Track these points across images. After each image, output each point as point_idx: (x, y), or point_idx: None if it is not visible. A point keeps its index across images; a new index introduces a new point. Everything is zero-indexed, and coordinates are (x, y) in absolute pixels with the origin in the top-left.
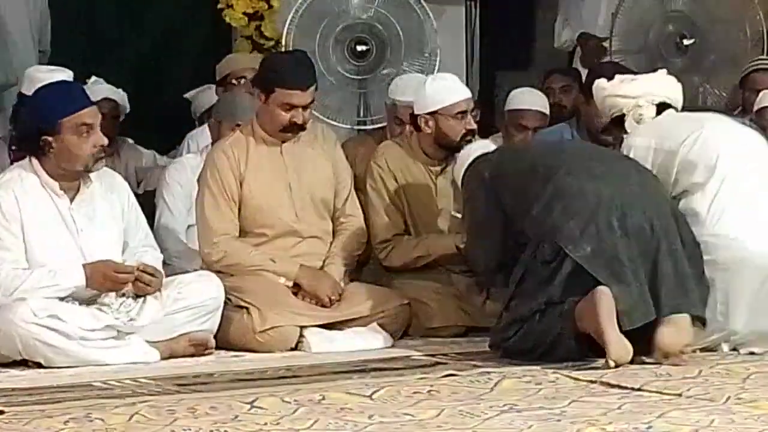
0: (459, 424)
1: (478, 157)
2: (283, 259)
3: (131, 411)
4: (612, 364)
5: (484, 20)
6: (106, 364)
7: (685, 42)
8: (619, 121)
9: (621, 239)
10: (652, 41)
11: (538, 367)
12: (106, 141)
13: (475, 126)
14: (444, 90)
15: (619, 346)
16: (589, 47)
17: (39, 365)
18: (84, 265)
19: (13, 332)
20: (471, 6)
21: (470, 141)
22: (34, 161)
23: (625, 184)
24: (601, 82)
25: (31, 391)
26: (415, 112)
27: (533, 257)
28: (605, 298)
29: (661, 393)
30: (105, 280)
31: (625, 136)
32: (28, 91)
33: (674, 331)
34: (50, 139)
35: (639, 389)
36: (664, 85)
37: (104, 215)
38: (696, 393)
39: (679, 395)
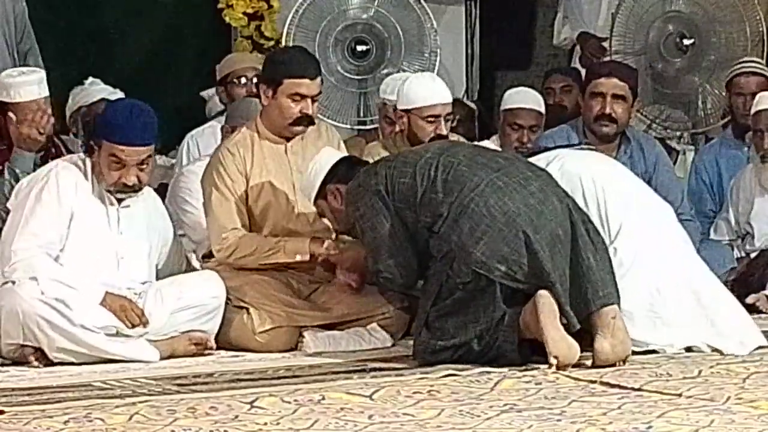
0: (459, 424)
1: (361, 172)
2: (291, 239)
3: (131, 411)
4: (554, 361)
5: (484, 20)
6: (105, 352)
7: (685, 42)
8: None
9: (534, 251)
10: (652, 41)
11: (539, 367)
12: (132, 182)
13: (445, 132)
14: (422, 90)
15: (560, 343)
16: (589, 47)
17: (40, 353)
18: (107, 293)
19: (18, 307)
20: (471, 6)
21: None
22: (88, 158)
23: (528, 194)
24: None
25: (31, 391)
26: (396, 107)
27: (447, 278)
28: (545, 300)
29: (661, 393)
30: (118, 313)
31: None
32: (2, 96)
33: (615, 344)
34: (95, 147)
35: (639, 389)
36: None
37: (145, 230)
38: (696, 393)
39: (679, 395)
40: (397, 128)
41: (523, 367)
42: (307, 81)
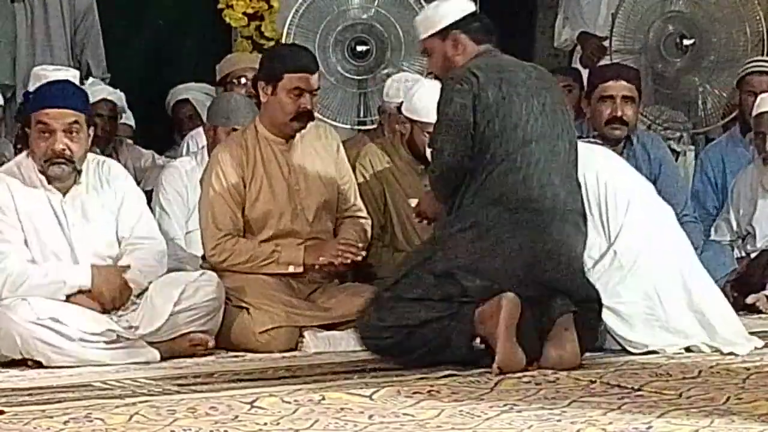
0: (459, 424)
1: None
2: (286, 247)
3: (131, 411)
4: (497, 370)
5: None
6: (106, 364)
7: (685, 42)
8: None
9: (516, 282)
10: (652, 41)
11: (539, 368)
12: (60, 148)
13: None
14: (429, 105)
15: (508, 354)
16: (589, 47)
17: (39, 365)
18: (92, 266)
19: (13, 331)
20: None
21: None
22: (25, 150)
23: (541, 239)
24: None
25: (31, 391)
26: (401, 109)
27: (422, 263)
28: (509, 304)
29: (661, 393)
30: (109, 287)
31: None
32: (32, 88)
33: (563, 355)
34: (28, 131)
35: (639, 389)
36: None
37: (98, 209)
38: (696, 393)
39: (679, 395)
40: (398, 130)
41: (469, 368)
42: (306, 75)
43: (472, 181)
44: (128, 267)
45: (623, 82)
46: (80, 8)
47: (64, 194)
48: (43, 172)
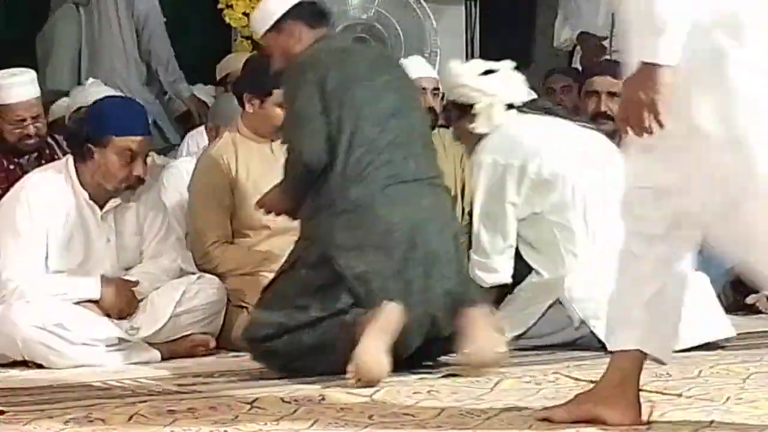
0: (459, 424)
1: (319, 56)
2: (278, 257)
3: (131, 411)
4: (351, 369)
5: (484, 20)
6: (108, 366)
7: None
8: (461, 108)
9: (400, 267)
10: None
11: (539, 367)
12: (142, 173)
13: (434, 105)
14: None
15: (369, 357)
16: (588, 46)
17: (39, 366)
18: (102, 277)
19: (16, 335)
20: (471, 6)
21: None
22: (71, 165)
23: (417, 208)
24: (456, 68)
25: (31, 391)
26: None
27: (296, 260)
28: (388, 312)
29: (661, 393)
30: (118, 299)
31: (474, 152)
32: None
33: (481, 347)
34: (94, 149)
35: (639, 389)
36: (517, 85)
37: (129, 224)
38: (696, 393)
39: (679, 395)
40: None
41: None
42: None
43: (333, 166)
44: (137, 282)
45: (609, 78)
46: (141, 12)
47: (102, 206)
48: (94, 186)
